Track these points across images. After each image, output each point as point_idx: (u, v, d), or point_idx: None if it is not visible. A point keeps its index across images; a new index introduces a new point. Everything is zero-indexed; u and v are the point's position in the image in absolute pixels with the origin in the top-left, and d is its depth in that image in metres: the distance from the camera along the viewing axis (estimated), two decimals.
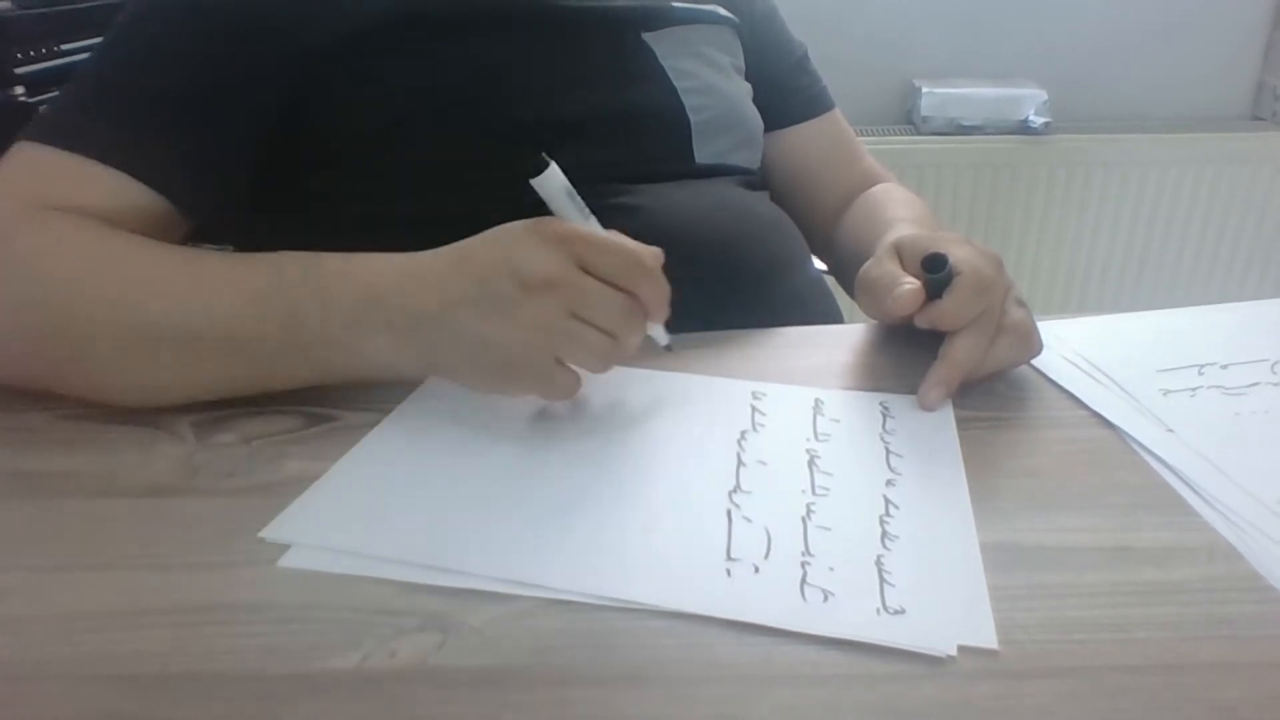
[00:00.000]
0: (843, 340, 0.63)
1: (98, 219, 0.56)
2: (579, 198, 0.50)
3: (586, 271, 0.47)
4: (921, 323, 0.55)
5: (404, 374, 0.54)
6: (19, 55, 1.21)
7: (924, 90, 1.81)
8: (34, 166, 0.58)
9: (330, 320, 0.50)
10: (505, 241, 0.49)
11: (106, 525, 0.44)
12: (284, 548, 0.42)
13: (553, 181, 0.49)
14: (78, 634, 0.37)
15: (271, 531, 0.43)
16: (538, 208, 0.49)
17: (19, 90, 1.20)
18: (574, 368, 0.50)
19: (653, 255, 0.50)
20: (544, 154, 0.49)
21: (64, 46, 1.28)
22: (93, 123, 0.60)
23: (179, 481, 0.47)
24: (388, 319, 0.50)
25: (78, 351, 0.52)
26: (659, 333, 0.55)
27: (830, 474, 0.47)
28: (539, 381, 0.49)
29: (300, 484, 0.46)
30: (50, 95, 1.23)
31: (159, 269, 0.53)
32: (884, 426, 0.52)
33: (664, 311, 0.51)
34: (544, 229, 0.48)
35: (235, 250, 0.83)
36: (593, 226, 0.51)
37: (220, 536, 0.43)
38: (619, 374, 0.57)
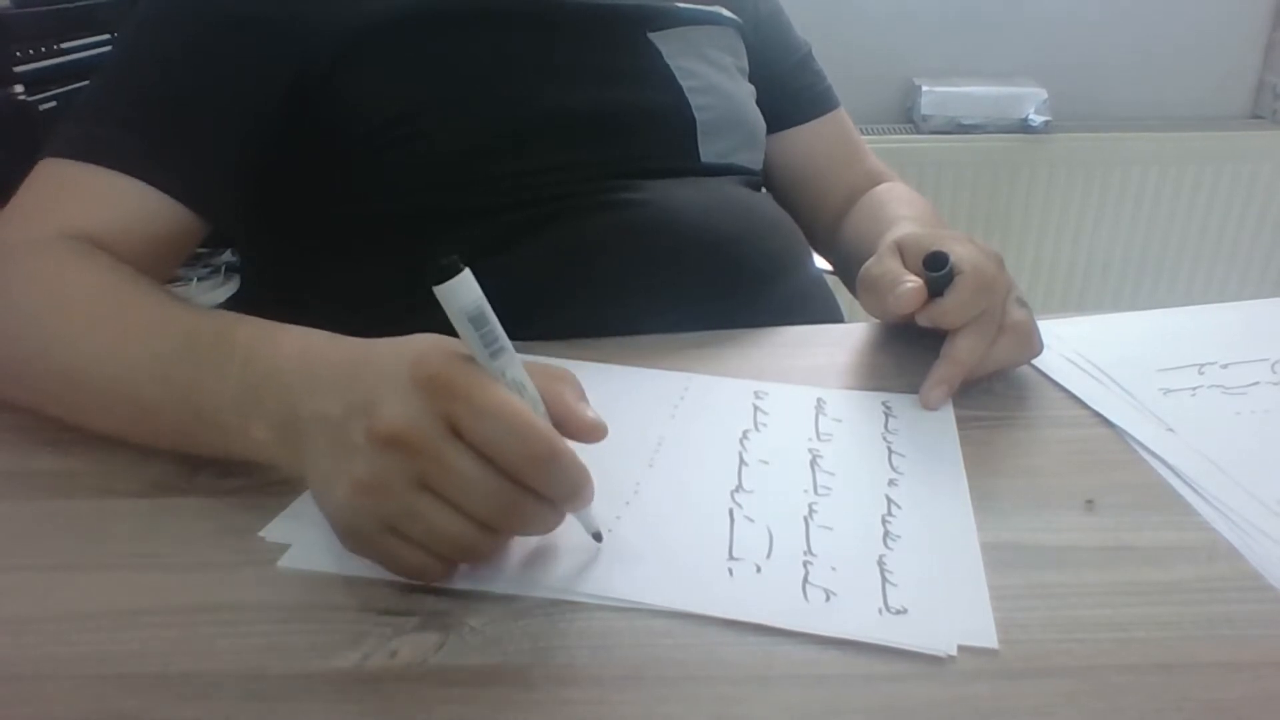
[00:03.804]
0: (844, 340, 0.63)
1: (107, 231, 0.57)
2: (493, 323, 0.36)
3: (463, 435, 0.36)
4: (923, 321, 0.55)
5: (290, 473, 0.45)
6: (18, 54, 1.20)
7: (924, 89, 1.80)
8: (52, 184, 0.59)
9: (223, 395, 0.44)
10: (384, 371, 0.38)
11: (106, 525, 0.44)
12: (284, 548, 0.42)
13: (456, 298, 0.35)
14: (78, 634, 0.37)
15: (271, 531, 0.43)
16: (548, 204, 0.46)
17: (18, 88, 1.20)
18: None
19: (589, 427, 0.39)
20: (455, 257, 0.35)
21: (63, 45, 1.28)
22: (107, 132, 0.60)
23: (179, 481, 0.47)
24: (269, 411, 0.43)
25: (36, 388, 0.52)
26: (586, 517, 0.41)
27: (832, 473, 0.47)
28: (372, 552, 0.38)
29: (300, 484, 0.46)
30: (49, 93, 1.23)
31: (97, 322, 0.51)
32: (886, 426, 0.52)
33: (577, 503, 0.39)
34: (423, 370, 0.36)
35: (243, 253, 0.83)
36: (500, 366, 0.37)
37: (220, 536, 0.43)
38: (620, 373, 0.57)
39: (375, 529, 0.37)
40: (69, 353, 0.50)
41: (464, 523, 0.37)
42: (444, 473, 0.36)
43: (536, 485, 0.36)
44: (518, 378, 0.38)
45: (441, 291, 0.35)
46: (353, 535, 0.38)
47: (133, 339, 0.50)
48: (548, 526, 0.39)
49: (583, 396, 0.40)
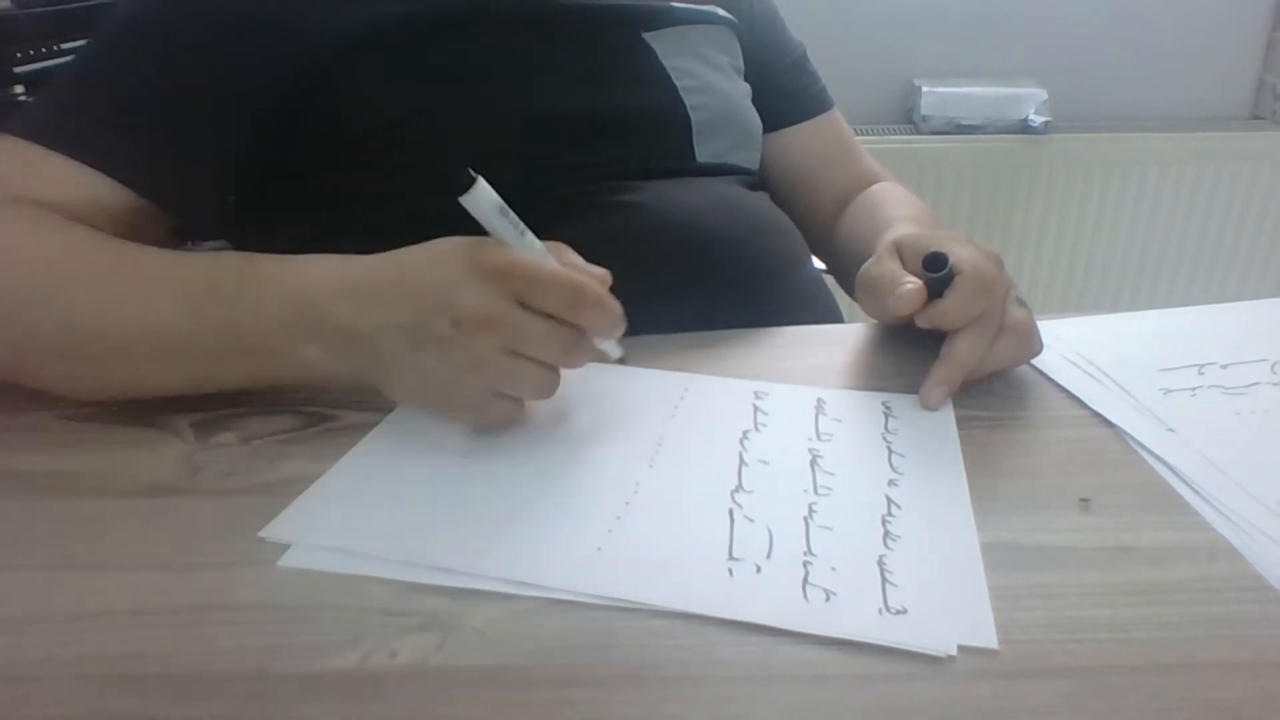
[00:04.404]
0: (844, 340, 0.63)
1: (62, 214, 0.57)
2: (512, 213, 0.46)
3: (527, 305, 0.46)
4: (922, 323, 0.55)
5: (341, 383, 0.53)
6: (18, 54, 1.21)
7: (924, 89, 1.80)
8: (10, 160, 0.59)
9: (265, 326, 0.50)
10: (442, 274, 0.47)
11: (106, 525, 0.44)
12: (284, 547, 0.42)
13: (483, 200, 0.45)
14: (78, 634, 0.37)
15: (271, 531, 0.43)
16: (544, 205, 0.48)
17: (18, 89, 1.20)
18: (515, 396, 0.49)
19: (601, 278, 0.49)
20: (471, 170, 0.45)
21: (63, 46, 1.28)
22: (69, 120, 0.60)
23: (179, 481, 0.47)
24: (319, 330, 0.49)
25: (21, 347, 0.53)
26: (610, 346, 0.53)
27: (832, 474, 0.47)
28: (474, 412, 0.49)
29: (300, 484, 0.46)
30: None
31: (101, 269, 0.53)
32: (886, 426, 0.52)
33: (614, 333, 0.49)
34: (482, 263, 0.46)
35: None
36: (529, 245, 0.47)
37: (220, 536, 0.43)
38: (620, 373, 0.57)
39: (481, 394, 0.47)
40: (72, 305, 0.51)
41: (542, 369, 0.47)
42: (524, 337, 0.46)
43: (590, 324, 0.47)
44: (540, 249, 0.48)
45: (468, 199, 0.44)
46: (456, 403, 0.48)
47: (148, 285, 0.51)
48: (585, 360, 0.49)
49: (577, 255, 0.50)
